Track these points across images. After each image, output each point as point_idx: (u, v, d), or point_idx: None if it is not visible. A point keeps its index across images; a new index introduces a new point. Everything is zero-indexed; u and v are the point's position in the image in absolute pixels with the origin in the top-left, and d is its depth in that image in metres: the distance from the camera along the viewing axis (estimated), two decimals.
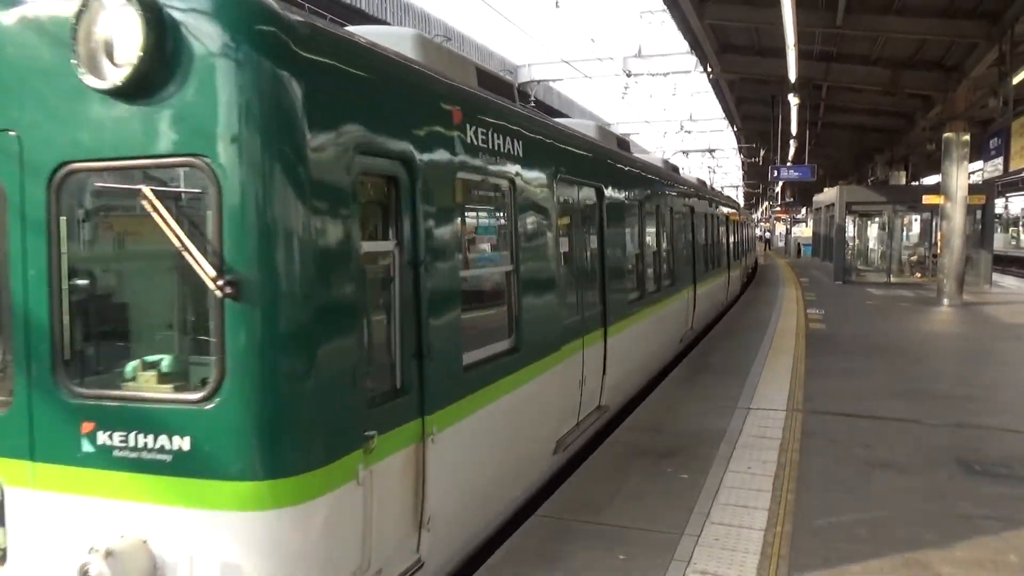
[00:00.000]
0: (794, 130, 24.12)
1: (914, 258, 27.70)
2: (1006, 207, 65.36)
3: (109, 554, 2.74)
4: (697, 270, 12.88)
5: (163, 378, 3.01)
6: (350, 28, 4.25)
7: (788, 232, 60.10)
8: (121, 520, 2.94)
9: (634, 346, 8.22)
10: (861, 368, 10.19)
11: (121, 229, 3.37)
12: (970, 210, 20.81)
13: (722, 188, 45.43)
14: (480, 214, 5.35)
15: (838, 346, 12.06)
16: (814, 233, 37.31)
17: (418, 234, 3.74)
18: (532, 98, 27.51)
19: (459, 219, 4.36)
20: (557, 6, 23.68)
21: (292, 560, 2.94)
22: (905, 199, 26.28)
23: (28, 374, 3.06)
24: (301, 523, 2.94)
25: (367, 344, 3.44)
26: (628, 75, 28.53)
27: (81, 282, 3.18)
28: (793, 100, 19.39)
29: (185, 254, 2.81)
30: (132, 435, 2.93)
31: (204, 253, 2.81)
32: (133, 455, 2.93)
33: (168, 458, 2.89)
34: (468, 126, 4.37)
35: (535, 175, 5.45)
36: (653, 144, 45.39)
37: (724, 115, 30.51)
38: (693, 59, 21.97)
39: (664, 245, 10.36)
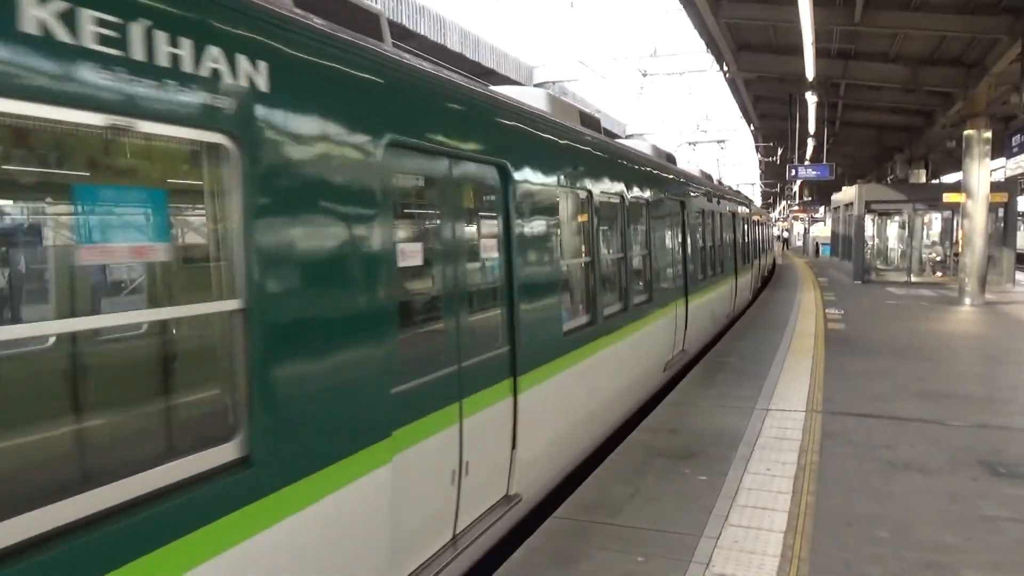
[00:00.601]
0: (812, 129, 23.92)
1: (935, 257, 27.37)
2: None
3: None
4: (691, 279, 10.70)
5: None
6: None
7: (806, 231, 59.62)
8: None
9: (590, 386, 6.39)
10: (881, 368, 10.08)
11: None
12: (992, 208, 20.52)
13: (738, 186, 45.03)
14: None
15: (858, 346, 11.94)
16: (833, 232, 36.92)
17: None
18: None
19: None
20: (572, 6, 23.65)
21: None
22: (925, 197, 25.97)
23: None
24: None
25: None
26: (644, 75, 28.46)
27: None
28: (811, 98, 19.25)
29: None
30: None
31: None
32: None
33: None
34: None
35: None
36: (670, 143, 45.22)
37: (741, 114, 30.33)
38: (709, 58, 21.83)
39: (641, 251, 8.44)
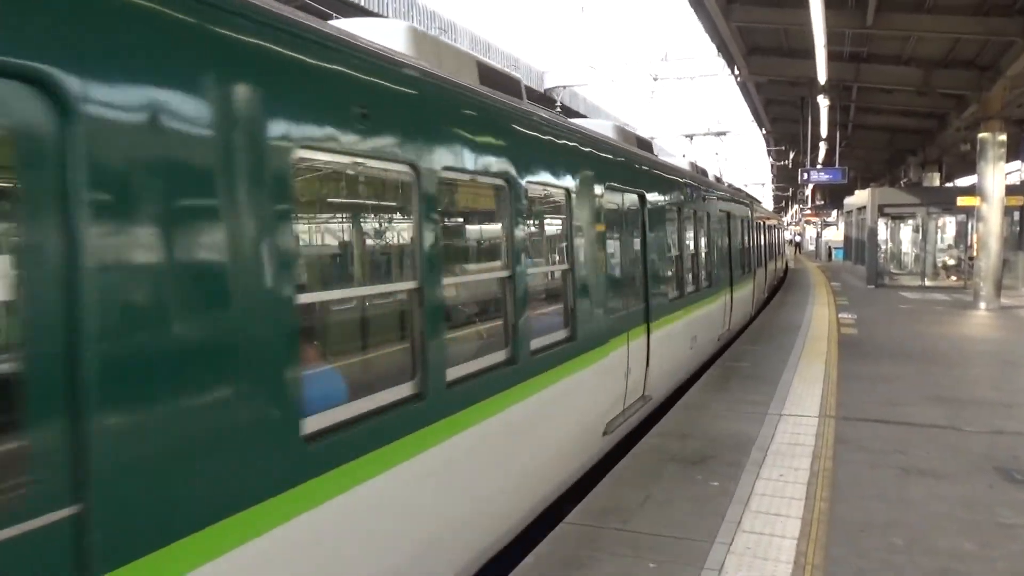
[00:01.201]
0: (824, 132, 23.80)
1: (949, 261, 27.15)
2: None
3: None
4: (653, 301, 8.15)
5: None
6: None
7: (818, 235, 59.34)
8: None
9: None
10: (895, 373, 10.00)
11: None
12: (1007, 211, 20.36)
13: (746, 185, 44.15)
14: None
15: (871, 351, 11.85)
16: (845, 236, 36.73)
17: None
18: (558, 103, 27.52)
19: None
20: (583, 11, 23.66)
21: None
22: (939, 201, 25.78)
23: None
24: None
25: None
26: (655, 79, 28.42)
27: None
28: (823, 102, 19.16)
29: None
30: None
31: None
32: None
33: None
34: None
35: None
36: (680, 148, 45.08)
37: (752, 118, 30.24)
38: (721, 62, 21.78)
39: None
